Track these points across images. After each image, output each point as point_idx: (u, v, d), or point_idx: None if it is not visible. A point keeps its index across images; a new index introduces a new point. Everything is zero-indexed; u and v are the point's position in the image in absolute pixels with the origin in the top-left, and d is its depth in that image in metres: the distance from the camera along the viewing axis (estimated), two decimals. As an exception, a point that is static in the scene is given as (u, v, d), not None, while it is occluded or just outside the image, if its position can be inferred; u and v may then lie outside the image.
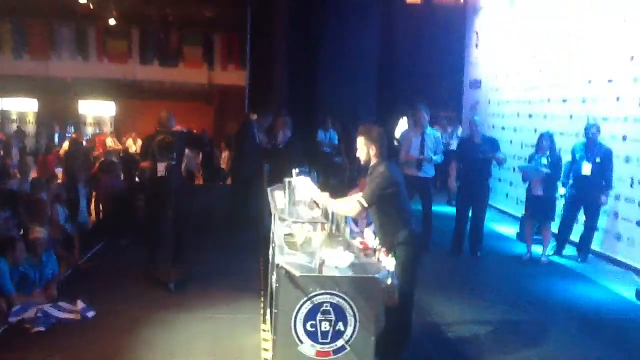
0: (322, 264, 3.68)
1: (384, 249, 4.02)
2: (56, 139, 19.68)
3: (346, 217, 4.53)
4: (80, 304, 5.12)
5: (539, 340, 5.05)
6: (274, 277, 3.79)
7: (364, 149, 4.22)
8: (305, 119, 12.72)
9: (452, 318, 5.49)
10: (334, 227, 4.53)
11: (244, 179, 8.57)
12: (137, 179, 9.82)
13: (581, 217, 7.78)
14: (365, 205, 4.05)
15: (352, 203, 4.13)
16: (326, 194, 4.22)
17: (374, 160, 4.21)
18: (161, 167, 5.84)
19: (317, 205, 4.20)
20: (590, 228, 7.67)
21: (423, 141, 7.66)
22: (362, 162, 4.33)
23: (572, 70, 8.86)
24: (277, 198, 4.46)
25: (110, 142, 17.23)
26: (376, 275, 3.70)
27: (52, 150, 14.24)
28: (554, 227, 7.93)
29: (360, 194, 4.18)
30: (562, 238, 7.95)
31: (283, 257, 3.81)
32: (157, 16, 22.32)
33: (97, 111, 22.96)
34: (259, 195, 7.76)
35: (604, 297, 6.37)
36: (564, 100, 9.04)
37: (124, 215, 7.89)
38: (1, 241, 5.38)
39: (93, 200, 9.10)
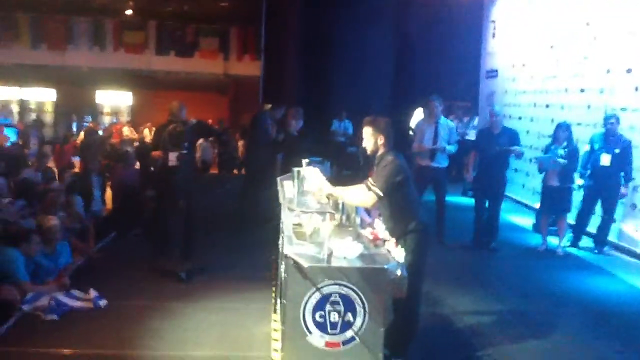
0: (330, 254, 3.66)
1: (393, 240, 3.98)
2: (74, 129, 19.85)
3: (357, 208, 4.50)
4: (92, 293, 5.16)
5: (551, 332, 4.98)
6: (282, 268, 3.77)
7: (371, 140, 4.21)
8: (320, 110, 12.70)
9: (464, 310, 5.45)
10: (344, 218, 4.50)
11: (257, 170, 8.56)
12: (152, 169, 9.87)
13: (598, 208, 7.67)
14: (381, 194, 4.04)
15: (367, 193, 4.12)
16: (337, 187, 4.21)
17: (381, 150, 4.20)
18: (172, 157, 5.84)
19: (328, 198, 4.16)
20: (607, 220, 7.55)
21: (436, 131, 7.59)
22: (368, 152, 4.31)
23: (590, 60, 8.71)
24: (286, 188, 4.43)
25: (127, 131, 17.34)
26: (385, 266, 3.66)
27: (69, 139, 14.36)
28: (571, 218, 7.83)
29: (369, 183, 4.18)
30: (578, 229, 7.84)
31: (292, 247, 3.78)
32: (173, 9, 22.39)
33: (114, 101, 23.14)
34: (271, 185, 7.76)
35: (620, 290, 6.27)
36: (582, 90, 8.89)
37: (132, 206, 7.91)
38: (16, 233, 5.43)
39: (109, 189, 9.17)
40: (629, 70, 7.76)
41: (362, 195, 4.19)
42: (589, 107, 8.67)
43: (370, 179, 4.34)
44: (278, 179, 4.91)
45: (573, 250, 7.70)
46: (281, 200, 4.44)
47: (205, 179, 13.53)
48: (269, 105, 9.39)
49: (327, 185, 4.14)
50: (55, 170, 9.59)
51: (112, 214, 8.42)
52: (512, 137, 7.53)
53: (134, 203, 7.99)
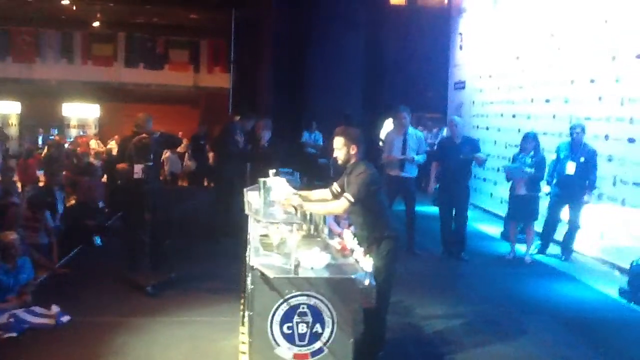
0: (297, 265, 3.62)
1: (362, 250, 3.96)
2: (40, 142, 19.49)
3: (324, 218, 4.47)
4: (55, 309, 5.01)
5: (520, 339, 5.01)
6: (249, 280, 3.72)
7: (343, 149, 4.22)
8: (290, 121, 12.67)
9: (434, 318, 5.44)
10: (312, 228, 4.48)
11: (227, 181, 8.48)
12: (119, 182, 9.71)
13: (565, 216, 7.78)
14: (352, 201, 4.03)
15: (338, 201, 4.12)
16: (303, 195, 4.19)
17: (352, 160, 4.22)
18: (138, 169, 5.73)
19: (295, 209, 4.13)
20: (573, 227, 7.66)
21: (405, 142, 7.63)
22: (340, 162, 4.30)
23: (554, 70, 8.87)
24: (253, 199, 4.39)
25: (94, 144, 17.08)
26: (353, 276, 3.63)
27: (33, 153, 14.06)
28: (538, 226, 7.92)
29: (334, 189, 4.22)
30: (546, 237, 7.94)
31: (258, 258, 3.74)
32: (143, 21, 22.23)
33: (81, 114, 22.77)
34: (241, 197, 7.69)
35: (587, 296, 6.35)
36: (547, 101, 9.05)
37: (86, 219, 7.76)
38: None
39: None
40: (592, 81, 7.92)
41: (332, 204, 4.21)
42: (554, 116, 8.83)
43: (335, 184, 4.34)
44: (245, 190, 4.86)
45: (541, 257, 7.78)
46: (247, 211, 4.38)
47: (175, 191, 13.39)
48: (238, 117, 9.33)
49: (293, 196, 4.11)
50: (19, 184, 9.36)
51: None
52: (474, 145, 7.60)
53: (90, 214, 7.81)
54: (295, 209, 4.10)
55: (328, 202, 4.26)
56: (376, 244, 4.10)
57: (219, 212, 8.29)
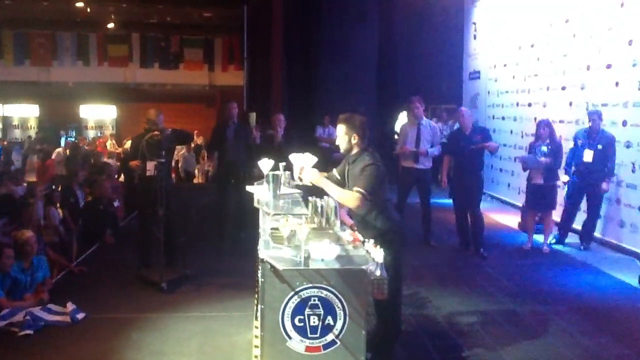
0: (307, 257, 3.58)
1: (373, 241, 3.90)
2: (62, 144, 19.74)
3: (336, 211, 4.42)
4: (70, 307, 5.05)
5: (539, 331, 4.92)
6: (259, 273, 3.69)
7: (345, 138, 4.09)
8: (304, 116, 12.66)
9: (450, 310, 5.38)
10: (323, 221, 4.43)
11: (241, 177, 8.48)
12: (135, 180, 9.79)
13: (583, 204, 7.65)
14: (367, 195, 3.89)
15: (352, 194, 3.97)
16: (324, 174, 4.15)
17: (355, 149, 4.10)
18: (150, 166, 5.74)
19: (302, 180, 4.09)
20: (593, 216, 7.53)
21: (419, 132, 7.55)
22: (341, 151, 4.18)
23: (570, 57, 8.72)
24: (262, 192, 4.36)
25: (109, 144, 17.23)
26: (364, 267, 3.59)
27: (50, 154, 14.24)
28: (556, 216, 7.80)
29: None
30: (564, 226, 7.81)
31: (268, 251, 3.71)
32: (156, 20, 22.36)
33: (98, 115, 23.03)
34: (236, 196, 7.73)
35: (606, 285, 6.23)
36: (563, 88, 8.90)
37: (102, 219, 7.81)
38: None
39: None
40: (608, 66, 7.77)
41: (347, 192, 4.03)
42: (570, 104, 8.68)
43: (335, 170, 4.25)
44: (255, 183, 4.84)
45: (559, 247, 7.66)
46: (256, 204, 4.36)
47: (190, 189, 13.44)
48: (253, 114, 9.36)
49: (312, 169, 4.02)
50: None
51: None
52: (484, 134, 7.46)
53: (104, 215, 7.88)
54: (301, 180, 4.05)
55: (343, 190, 4.09)
56: (380, 238, 3.95)
57: (234, 209, 8.25)
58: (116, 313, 5.18)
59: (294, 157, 4.24)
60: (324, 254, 3.62)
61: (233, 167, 7.78)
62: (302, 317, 3.58)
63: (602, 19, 7.94)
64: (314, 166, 4.23)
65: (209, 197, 11.09)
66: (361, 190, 3.92)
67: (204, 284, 6.01)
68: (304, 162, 4.12)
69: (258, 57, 14.71)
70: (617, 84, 7.59)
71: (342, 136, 4.11)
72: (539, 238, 7.66)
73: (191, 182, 15.58)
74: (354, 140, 4.07)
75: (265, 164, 4.31)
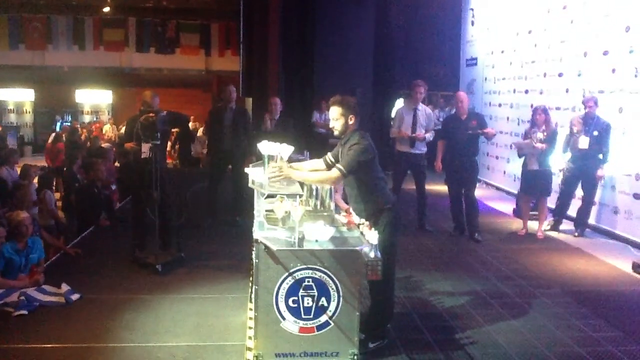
0: (302, 238, 3.60)
1: (367, 223, 3.91)
2: (58, 128, 19.72)
3: (331, 193, 4.42)
4: (65, 287, 5.05)
5: (531, 313, 4.95)
6: (254, 254, 3.70)
7: (341, 120, 4.05)
8: (301, 102, 12.61)
9: (444, 293, 5.40)
10: (318, 203, 4.44)
11: (239, 162, 8.45)
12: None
13: (578, 191, 7.67)
14: (345, 172, 3.89)
15: (330, 171, 3.99)
16: (295, 166, 4.12)
17: (349, 130, 4.07)
18: (145, 148, 5.72)
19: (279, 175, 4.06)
20: (587, 202, 7.55)
21: (415, 117, 7.54)
22: (337, 134, 4.13)
23: (567, 43, 8.70)
24: (256, 174, 4.36)
25: (108, 129, 17.15)
26: (358, 248, 3.60)
27: (60, 138, 14.18)
28: (551, 202, 7.82)
29: (328, 159, 4.15)
30: (559, 213, 7.84)
31: (262, 232, 3.72)
32: (153, 5, 22.16)
33: (94, 99, 22.89)
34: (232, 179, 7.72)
35: (600, 270, 6.26)
36: (560, 75, 8.89)
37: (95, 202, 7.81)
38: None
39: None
40: (605, 53, 7.75)
41: (322, 173, 4.07)
42: (567, 90, 8.67)
43: (329, 154, 4.23)
44: (250, 165, 4.83)
45: (554, 233, 7.69)
46: (251, 185, 4.36)
47: (186, 173, 13.40)
48: (250, 99, 9.31)
49: (283, 162, 4.00)
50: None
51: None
52: (480, 120, 7.46)
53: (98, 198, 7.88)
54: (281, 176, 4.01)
55: (318, 172, 4.10)
56: (373, 218, 3.97)
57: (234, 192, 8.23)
58: (111, 294, 5.19)
59: (264, 147, 4.13)
60: (318, 235, 3.63)
61: (229, 156, 7.69)
62: (296, 298, 3.60)
63: (599, 5, 7.92)
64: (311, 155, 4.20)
65: (202, 183, 11.10)
66: (340, 167, 3.91)
67: (198, 267, 6.02)
68: (279, 153, 4.04)
69: (255, 42, 14.60)
70: (613, 70, 7.58)
71: (339, 118, 4.06)
72: (533, 225, 7.68)
73: (198, 166, 15.35)
74: (351, 121, 4.06)
75: (263, 147, 4.26)
